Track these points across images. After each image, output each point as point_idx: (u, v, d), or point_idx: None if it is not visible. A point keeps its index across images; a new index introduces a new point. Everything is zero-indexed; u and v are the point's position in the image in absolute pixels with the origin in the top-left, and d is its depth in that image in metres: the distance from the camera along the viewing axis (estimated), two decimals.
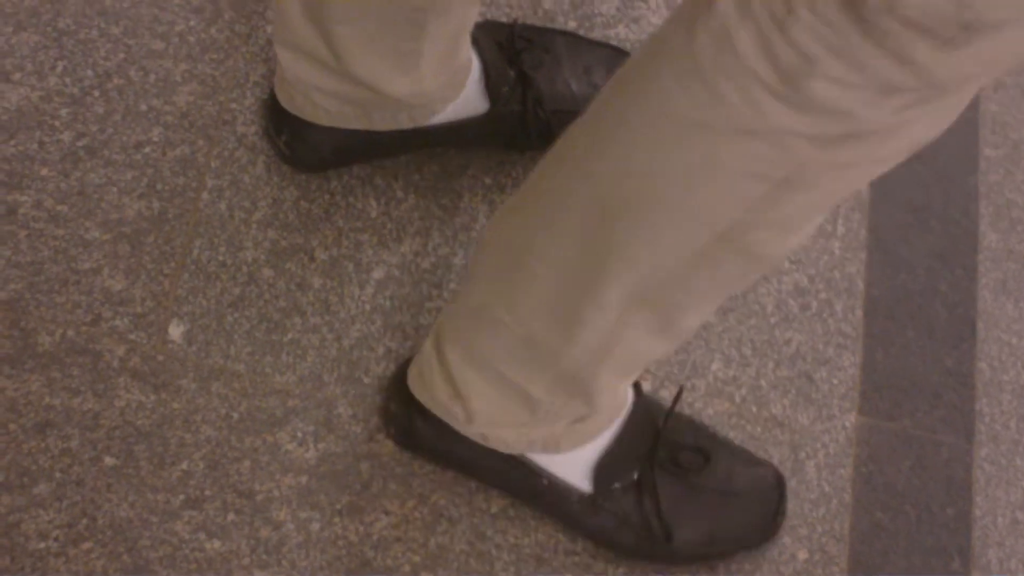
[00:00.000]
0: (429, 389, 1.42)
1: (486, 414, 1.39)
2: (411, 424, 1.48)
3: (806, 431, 1.63)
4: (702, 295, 1.16)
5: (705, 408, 1.61)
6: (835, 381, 1.66)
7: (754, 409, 1.62)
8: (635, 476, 1.47)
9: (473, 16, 1.48)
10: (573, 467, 1.46)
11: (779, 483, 1.56)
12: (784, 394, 1.64)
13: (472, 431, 1.43)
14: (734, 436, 1.60)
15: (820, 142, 0.93)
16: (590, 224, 1.10)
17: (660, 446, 1.48)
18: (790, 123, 0.92)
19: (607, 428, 1.45)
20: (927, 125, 0.95)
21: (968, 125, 1.85)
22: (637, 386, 1.50)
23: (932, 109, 0.92)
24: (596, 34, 1.78)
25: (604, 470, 1.47)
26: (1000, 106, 1.88)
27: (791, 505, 1.59)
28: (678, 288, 1.13)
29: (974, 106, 1.86)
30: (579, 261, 1.14)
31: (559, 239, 1.14)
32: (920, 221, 1.78)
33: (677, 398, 1.50)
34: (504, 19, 1.75)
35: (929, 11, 0.81)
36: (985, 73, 0.90)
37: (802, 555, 1.58)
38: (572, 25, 1.78)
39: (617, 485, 1.47)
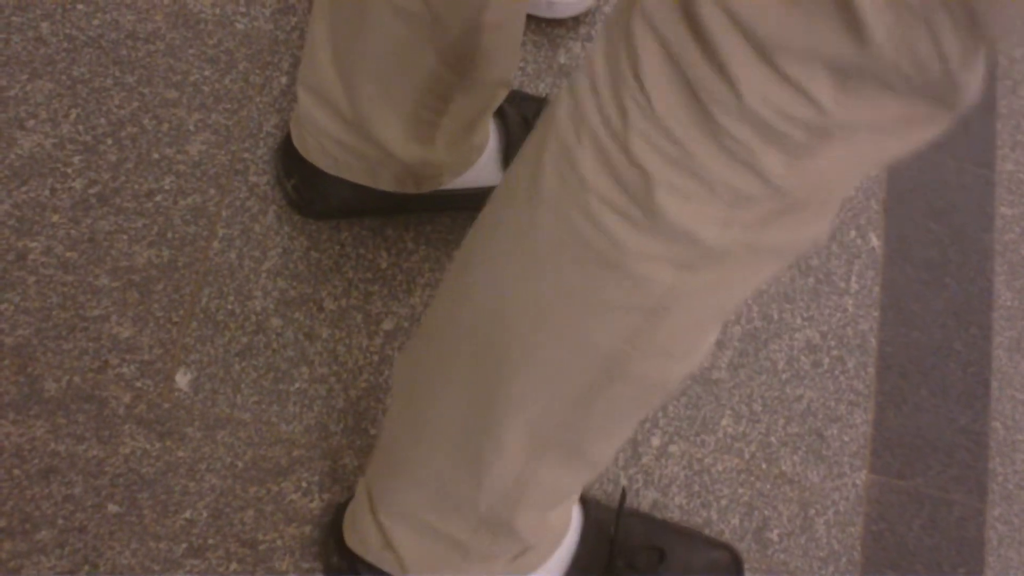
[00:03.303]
0: (362, 537, 1.37)
1: (418, 562, 1.34)
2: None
3: (816, 488, 1.61)
4: (606, 428, 1.11)
5: (714, 464, 1.60)
6: (846, 439, 1.64)
7: (764, 466, 1.61)
8: None
9: (499, 100, 1.47)
10: None
11: (736, 563, 1.54)
12: (794, 451, 1.63)
13: None
14: (743, 493, 1.59)
15: (681, 266, 0.89)
16: (475, 365, 1.08)
17: (616, 556, 1.46)
18: (646, 248, 0.88)
19: (548, 558, 1.41)
20: (792, 238, 0.91)
21: (984, 183, 1.84)
22: (584, 500, 1.46)
23: (791, 222, 0.88)
24: None
25: None
26: (1016, 165, 1.87)
27: (800, 562, 1.57)
28: (577, 426, 1.09)
29: (990, 165, 1.85)
30: (471, 403, 1.11)
31: (449, 381, 1.12)
32: (934, 279, 1.77)
33: (622, 501, 1.47)
34: (519, 74, 1.75)
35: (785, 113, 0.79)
36: (835, 188, 0.87)
37: None
38: None
39: None
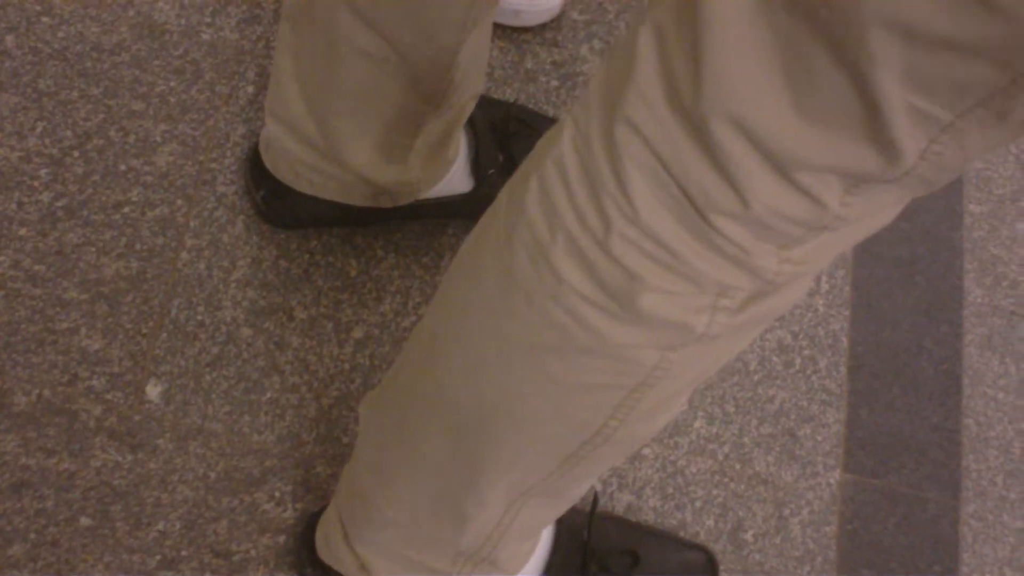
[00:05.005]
0: (336, 559, 1.36)
1: None
2: None
3: (790, 488, 1.61)
4: (588, 476, 1.11)
5: (688, 466, 1.60)
6: (819, 438, 1.65)
7: (737, 467, 1.61)
8: None
9: (469, 112, 1.47)
10: None
11: (711, 564, 1.54)
12: (768, 451, 1.63)
13: None
14: (717, 494, 1.59)
15: (665, 347, 0.88)
16: (452, 436, 1.06)
17: (589, 560, 1.45)
18: (630, 339, 0.87)
19: (523, 567, 1.39)
20: (774, 308, 0.89)
21: (953, 181, 1.85)
22: None
23: (773, 298, 0.87)
24: (578, 93, 1.78)
25: None
26: (985, 162, 1.88)
27: (776, 562, 1.57)
28: (560, 479, 1.08)
29: None
30: (449, 467, 1.10)
31: (426, 445, 1.11)
32: (905, 277, 1.77)
33: (594, 505, 1.47)
34: (486, 80, 1.75)
35: (786, 217, 0.77)
36: (817, 266, 0.86)
37: None
38: (554, 84, 1.78)
39: None
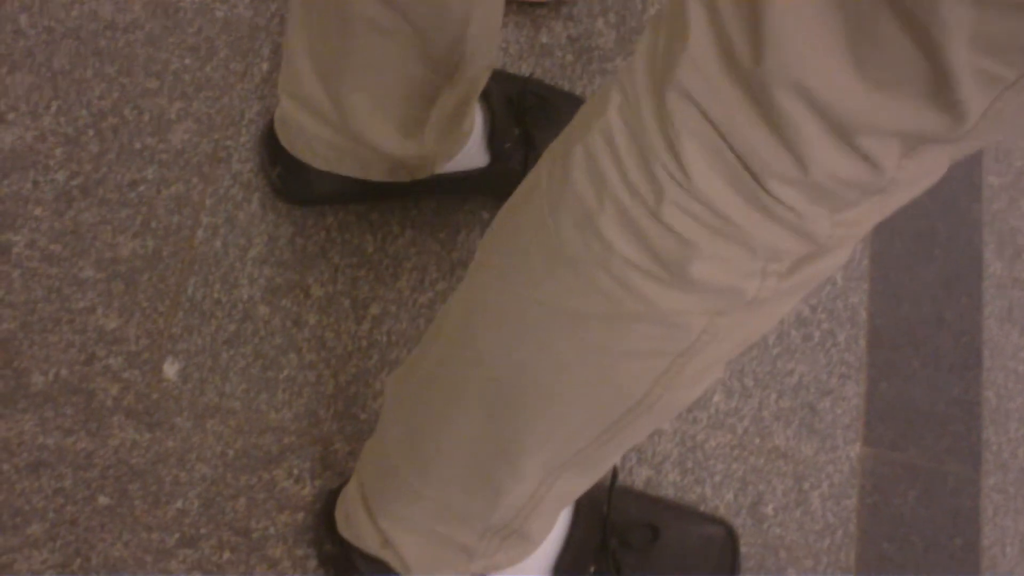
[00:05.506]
0: (358, 535, 1.35)
1: (420, 562, 1.32)
2: (351, 564, 1.39)
3: (810, 462, 1.61)
4: (623, 445, 1.11)
5: (707, 440, 1.59)
6: (839, 411, 1.64)
7: (757, 441, 1.61)
8: (591, 571, 1.44)
9: (483, 84, 1.46)
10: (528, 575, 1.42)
11: (732, 538, 1.54)
12: (787, 425, 1.62)
13: None
14: (736, 468, 1.58)
15: (714, 312, 0.88)
16: (489, 407, 1.06)
17: (609, 534, 1.45)
18: (680, 305, 0.87)
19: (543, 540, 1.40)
20: (821, 271, 0.89)
21: (972, 153, 1.83)
22: None
23: (822, 262, 0.87)
24: (594, 67, 1.77)
25: (560, 573, 1.43)
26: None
27: (796, 536, 1.57)
28: (598, 450, 1.08)
29: None
30: (485, 439, 1.10)
31: (460, 417, 1.10)
32: (923, 250, 1.76)
33: (613, 479, 1.46)
34: (502, 55, 1.74)
35: (842, 179, 0.77)
36: (866, 228, 0.86)
37: None
38: (570, 59, 1.77)
39: None
